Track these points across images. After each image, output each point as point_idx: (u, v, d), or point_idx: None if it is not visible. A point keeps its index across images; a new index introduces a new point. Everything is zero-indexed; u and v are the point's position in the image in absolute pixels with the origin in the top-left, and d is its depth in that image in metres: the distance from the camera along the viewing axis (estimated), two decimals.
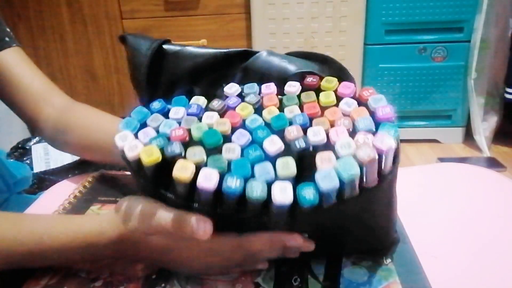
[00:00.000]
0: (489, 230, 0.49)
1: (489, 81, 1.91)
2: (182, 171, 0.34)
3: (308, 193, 0.33)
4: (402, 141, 2.30)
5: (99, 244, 0.41)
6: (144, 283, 0.43)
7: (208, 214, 0.36)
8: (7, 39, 0.62)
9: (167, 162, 0.36)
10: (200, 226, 0.36)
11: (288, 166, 0.34)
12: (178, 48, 0.57)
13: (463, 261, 0.45)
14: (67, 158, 1.30)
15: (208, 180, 0.33)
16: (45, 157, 1.30)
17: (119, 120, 0.57)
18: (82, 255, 0.44)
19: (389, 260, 0.44)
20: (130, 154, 0.37)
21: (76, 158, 1.27)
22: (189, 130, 0.39)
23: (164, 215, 0.38)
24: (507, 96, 1.90)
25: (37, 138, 1.36)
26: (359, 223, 0.40)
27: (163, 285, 0.43)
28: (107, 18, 1.99)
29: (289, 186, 0.33)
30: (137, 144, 0.38)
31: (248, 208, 0.34)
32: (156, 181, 0.38)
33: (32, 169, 1.23)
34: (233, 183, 0.33)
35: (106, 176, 0.64)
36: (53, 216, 0.51)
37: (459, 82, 1.93)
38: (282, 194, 0.33)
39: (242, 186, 0.33)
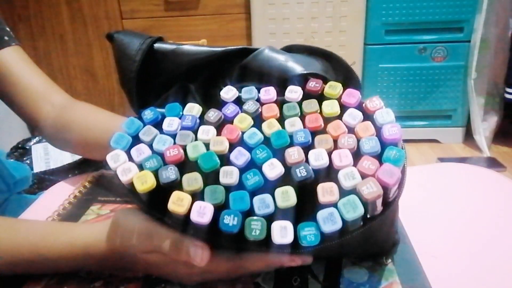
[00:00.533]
0: (489, 230, 0.49)
1: (489, 81, 1.91)
2: (177, 203, 0.34)
3: (310, 235, 0.32)
4: (402, 141, 2.28)
5: (95, 255, 0.42)
6: (144, 283, 0.43)
7: (205, 241, 0.36)
8: (6, 38, 0.62)
9: (162, 188, 0.35)
10: (197, 252, 0.36)
11: (288, 196, 0.33)
12: (173, 46, 0.53)
13: (463, 261, 0.45)
14: (67, 158, 1.30)
15: (201, 214, 0.33)
16: (45, 157, 1.30)
17: (118, 117, 0.57)
18: (78, 265, 0.44)
19: (389, 260, 0.44)
20: (124, 179, 0.37)
21: (76, 158, 1.27)
22: (184, 148, 0.38)
23: (162, 237, 0.38)
24: (507, 96, 1.90)
25: (37, 138, 1.35)
26: (362, 245, 0.41)
27: (163, 285, 0.43)
28: (107, 18, 1.99)
29: (289, 225, 0.32)
30: (130, 167, 0.37)
31: (247, 244, 0.34)
32: (151, 205, 0.37)
33: (32, 169, 1.23)
34: (230, 221, 0.32)
35: (106, 176, 0.64)
36: (49, 224, 0.51)
37: (459, 82, 1.93)
38: (282, 235, 0.32)
39: (240, 223, 0.33)
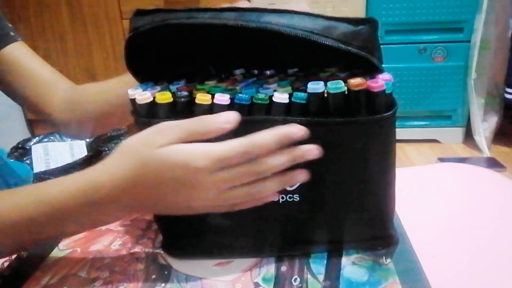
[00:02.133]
0: (489, 230, 0.49)
1: (489, 81, 1.91)
2: (202, 97, 0.39)
3: (300, 94, 0.40)
4: (402, 141, 2.29)
5: (105, 185, 0.39)
6: (144, 283, 0.43)
7: None
8: (11, 33, 0.63)
9: (176, 105, 0.41)
10: (222, 115, 0.37)
11: (286, 89, 0.41)
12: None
13: (463, 261, 0.45)
14: (67, 158, 1.30)
15: (222, 97, 0.39)
16: (45, 157, 1.31)
17: (125, 81, 0.57)
18: (85, 209, 0.40)
19: (389, 260, 0.44)
20: (141, 98, 0.41)
21: (76, 158, 1.27)
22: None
23: (184, 122, 0.38)
24: (507, 96, 1.90)
25: (37, 138, 1.36)
26: (354, 173, 0.42)
27: (163, 285, 0.43)
28: (107, 18, 1.99)
29: (285, 94, 0.40)
30: (147, 94, 0.41)
31: (255, 108, 0.40)
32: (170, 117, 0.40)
33: (32, 169, 1.24)
34: (243, 96, 0.39)
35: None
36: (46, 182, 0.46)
37: (459, 82, 1.93)
38: (281, 96, 0.39)
39: (250, 96, 0.40)
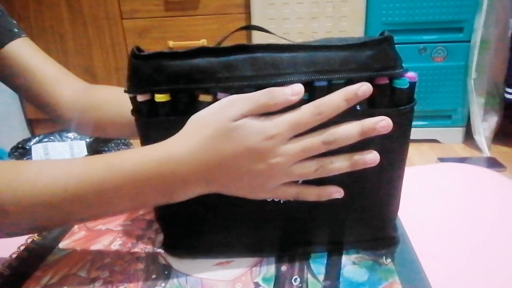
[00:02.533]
0: (489, 230, 0.49)
1: (489, 81, 1.91)
2: (205, 96, 0.40)
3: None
4: None
5: (177, 153, 0.38)
6: (144, 283, 0.43)
7: None
8: (15, 29, 0.63)
9: (177, 104, 0.40)
10: (289, 87, 0.37)
11: None
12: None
13: (463, 261, 0.45)
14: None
15: (225, 94, 0.39)
16: (45, 157, 1.30)
17: None
18: (171, 181, 0.39)
19: (389, 260, 0.44)
20: (141, 96, 0.41)
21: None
22: None
23: (254, 94, 0.38)
24: (507, 96, 1.90)
25: (37, 138, 1.36)
26: (354, 171, 0.41)
27: (163, 285, 0.43)
28: (107, 18, 1.99)
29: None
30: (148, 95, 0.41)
31: None
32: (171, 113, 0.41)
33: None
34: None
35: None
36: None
37: (459, 82, 1.93)
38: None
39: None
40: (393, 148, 0.42)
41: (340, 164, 0.39)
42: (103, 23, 2.00)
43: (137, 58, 0.40)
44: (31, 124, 2.23)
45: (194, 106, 0.40)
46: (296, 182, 0.41)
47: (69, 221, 0.45)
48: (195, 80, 0.39)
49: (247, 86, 0.39)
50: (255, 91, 0.38)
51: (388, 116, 0.39)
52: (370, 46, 0.39)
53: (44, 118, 2.20)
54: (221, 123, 0.37)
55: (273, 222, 0.45)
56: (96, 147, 1.31)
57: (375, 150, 0.40)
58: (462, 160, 1.88)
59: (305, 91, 0.38)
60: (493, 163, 1.83)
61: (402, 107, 0.40)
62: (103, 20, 1.99)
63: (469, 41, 1.86)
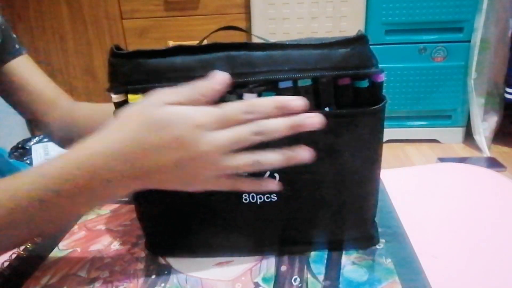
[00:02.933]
0: (489, 230, 0.49)
1: (489, 81, 1.91)
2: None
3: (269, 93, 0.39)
4: (402, 141, 2.27)
5: (111, 147, 0.37)
6: (144, 283, 0.43)
7: None
8: (17, 46, 0.65)
9: None
10: (212, 78, 0.37)
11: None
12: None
13: (463, 261, 0.45)
14: None
15: None
16: (45, 157, 1.30)
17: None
18: (91, 179, 0.37)
19: (389, 260, 0.44)
20: (115, 97, 0.41)
21: None
22: None
23: (180, 87, 0.37)
24: (507, 96, 1.90)
25: (37, 138, 1.36)
26: (329, 170, 0.42)
27: (163, 285, 0.43)
28: (107, 18, 1.99)
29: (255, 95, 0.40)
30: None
31: None
32: None
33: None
34: None
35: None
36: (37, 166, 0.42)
37: (459, 82, 1.93)
38: (250, 95, 0.40)
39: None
40: (364, 149, 0.42)
41: (273, 158, 0.38)
42: (103, 23, 2.00)
43: (115, 56, 0.41)
44: (31, 124, 2.23)
45: None
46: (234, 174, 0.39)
47: (29, 235, 0.42)
48: (171, 79, 0.39)
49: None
50: (230, 89, 0.38)
51: (356, 116, 0.40)
52: (345, 45, 0.39)
53: None
54: (144, 115, 0.36)
55: (251, 223, 0.45)
56: None
57: (345, 148, 0.41)
58: (462, 160, 1.88)
59: (270, 89, 0.39)
60: (493, 163, 1.83)
61: (372, 107, 0.40)
62: (103, 20, 1.99)
63: (469, 41, 1.86)
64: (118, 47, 0.41)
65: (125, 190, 0.39)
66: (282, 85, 0.39)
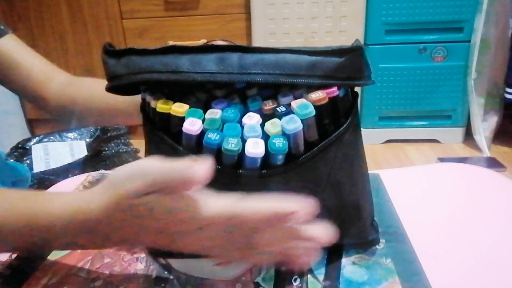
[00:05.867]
0: (489, 230, 0.49)
1: (489, 81, 1.91)
2: (178, 107, 0.39)
3: (278, 142, 0.37)
4: (402, 141, 2.27)
5: (88, 217, 0.36)
6: (144, 283, 0.43)
7: None
8: (1, 27, 0.65)
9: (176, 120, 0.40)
10: (196, 165, 0.33)
11: (276, 125, 0.38)
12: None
13: (463, 261, 0.45)
14: (67, 158, 1.30)
15: (192, 125, 0.38)
16: (45, 157, 1.31)
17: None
18: (69, 235, 0.37)
19: (389, 260, 0.44)
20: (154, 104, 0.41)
21: (76, 158, 1.27)
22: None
23: (156, 169, 0.34)
24: (507, 96, 1.90)
25: (37, 138, 1.36)
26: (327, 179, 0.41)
27: (163, 285, 0.43)
28: (107, 18, 1.99)
29: (261, 142, 0.38)
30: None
31: (224, 159, 0.38)
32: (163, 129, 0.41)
33: (32, 169, 1.23)
34: (213, 136, 0.37)
35: (106, 176, 0.64)
36: (35, 193, 0.42)
37: (459, 82, 1.93)
38: (255, 147, 0.37)
39: (221, 139, 0.37)
40: (350, 155, 0.42)
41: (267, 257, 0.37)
42: (103, 23, 2.00)
43: (108, 54, 0.41)
44: (31, 124, 2.23)
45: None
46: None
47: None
48: (161, 75, 0.39)
49: (211, 82, 0.39)
50: (219, 88, 0.39)
51: (338, 137, 0.40)
52: (339, 54, 0.39)
53: (44, 118, 2.20)
54: (119, 196, 0.34)
55: None
56: (96, 147, 1.31)
57: (334, 162, 0.40)
58: (462, 160, 1.88)
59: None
60: (493, 163, 1.83)
61: (348, 124, 0.40)
62: (103, 20, 1.99)
63: (469, 41, 1.86)
64: (110, 44, 0.42)
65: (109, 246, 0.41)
66: (279, 110, 0.39)
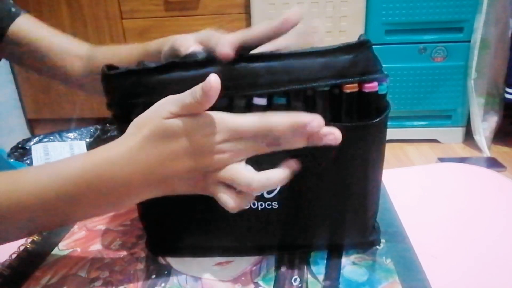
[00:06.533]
0: (489, 230, 0.49)
1: (489, 81, 1.91)
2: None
3: (280, 98, 0.39)
4: (402, 141, 2.27)
5: (125, 157, 0.37)
6: (144, 283, 0.43)
7: None
8: (13, 9, 0.64)
9: None
10: (207, 81, 0.35)
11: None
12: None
13: (463, 261, 0.45)
14: None
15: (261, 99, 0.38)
16: (45, 157, 1.31)
17: (138, 46, 0.59)
18: (105, 185, 0.38)
19: (389, 260, 0.44)
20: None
21: None
22: None
23: (180, 94, 0.37)
24: (507, 96, 1.90)
25: (37, 138, 1.36)
26: (334, 179, 0.41)
27: (163, 285, 0.43)
28: (107, 18, 1.99)
29: (264, 98, 0.38)
30: None
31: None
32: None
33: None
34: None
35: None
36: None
37: (459, 82, 1.93)
38: (260, 99, 0.38)
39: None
40: (368, 156, 0.41)
41: (279, 175, 0.38)
42: (103, 23, 2.00)
43: (111, 76, 0.40)
44: (31, 124, 2.23)
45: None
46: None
47: (34, 228, 0.43)
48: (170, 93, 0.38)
49: (220, 97, 0.36)
50: (231, 102, 0.38)
51: (363, 128, 0.39)
52: (348, 51, 0.38)
53: (44, 118, 2.20)
54: (155, 123, 0.37)
55: (253, 228, 0.45)
56: (96, 147, 1.31)
57: (349, 158, 0.40)
58: (462, 160, 1.88)
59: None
60: (493, 163, 1.83)
61: (380, 118, 0.39)
62: (103, 20, 1.99)
63: (469, 41, 1.86)
64: (109, 67, 0.41)
65: (144, 195, 0.39)
66: (276, 101, 0.39)
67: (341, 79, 0.38)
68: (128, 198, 0.39)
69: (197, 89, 0.36)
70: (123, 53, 0.60)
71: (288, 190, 0.41)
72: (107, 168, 0.37)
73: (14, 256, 0.48)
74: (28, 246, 0.50)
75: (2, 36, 0.63)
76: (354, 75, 0.38)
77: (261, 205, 0.43)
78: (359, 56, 0.38)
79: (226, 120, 0.36)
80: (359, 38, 0.40)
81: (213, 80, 0.35)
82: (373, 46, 0.40)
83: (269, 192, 0.42)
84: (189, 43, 0.45)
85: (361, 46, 0.38)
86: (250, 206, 0.43)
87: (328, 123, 0.36)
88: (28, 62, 0.65)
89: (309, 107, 0.39)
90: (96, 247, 0.49)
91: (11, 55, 0.66)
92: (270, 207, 0.43)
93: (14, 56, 0.66)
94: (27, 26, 0.64)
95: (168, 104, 0.37)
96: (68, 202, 0.38)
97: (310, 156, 0.39)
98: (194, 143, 0.36)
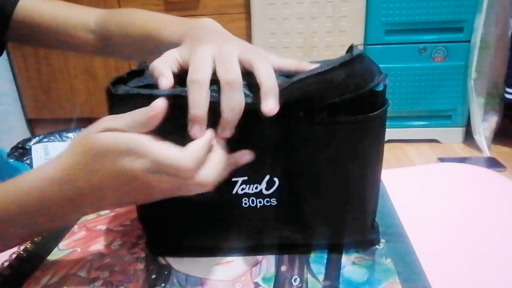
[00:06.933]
0: (489, 230, 0.49)
1: (489, 81, 1.91)
2: None
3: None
4: (402, 141, 2.27)
5: (60, 174, 0.37)
6: (144, 283, 0.43)
7: None
8: None
9: None
10: (152, 105, 0.35)
11: None
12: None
13: (463, 261, 0.45)
14: None
15: None
16: (45, 157, 1.31)
17: (152, 36, 0.57)
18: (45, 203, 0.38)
19: (389, 260, 0.44)
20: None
21: None
22: None
23: (124, 114, 0.36)
24: (507, 96, 1.90)
25: (37, 138, 1.36)
26: (331, 176, 0.41)
27: (163, 285, 0.43)
28: None
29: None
30: None
31: None
32: None
33: (31, 169, 1.23)
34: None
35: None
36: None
37: (459, 82, 1.93)
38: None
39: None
40: (366, 154, 0.42)
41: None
42: None
43: (116, 95, 0.39)
44: (31, 124, 2.23)
45: None
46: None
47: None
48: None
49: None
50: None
51: (358, 123, 0.39)
52: (343, 67, 0.38)
53: (44, 118, 2.20)
54: (85, 142, 0.36)
55: (250, 225, 0.45)
56: None
57: (347, 154, 0.40)
58: (462, 160, 1.88)
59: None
60: (493, 163, 1.83)
61: (374, 113, 0.40)
62: None
63: (469, 41, 1.86)
64: (116, 82, 0.41)
65: (73, 214, 0.40)
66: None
67: (339, 96, 0.38)
68: (77, 214, 0.40)
69: (141, 113, 0.35)
70: (137, 39, 0.58)
71: (287, 186, 0.41)
72: (47, 191, 0.37)
73: (14, 256, 0.48)
74: (28, 246, 0.50)
75: (8, 21, 0.62)
76: (351, 88, 0.38)
77: (260, 202, 0.43)
78: (355, 70, 0.38)
79: (148, 149, 0.35)
80: (353, 52, 0.39)
81: (158, 106, 0.34)
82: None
83: (268, 189, 0.42)
84: (162, 70, 0.39)
85: (356, 60, 0.38)
86: (249, 204, 0.43)
87: (324, 119, 0.37)
88: (41, 40, 0.65)
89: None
90: (96, 247, 0.49)
91: (21, 37, 0.65)
92: (269, 204, 0.43)
93: (24, 37, 0.65)
94: (32, 5, 0.63)
95: (106, 122, 0.36)
96: (11, 220, 0.39)
97: (308, 153, 0.39)
98: (120, 160, 0.35)
